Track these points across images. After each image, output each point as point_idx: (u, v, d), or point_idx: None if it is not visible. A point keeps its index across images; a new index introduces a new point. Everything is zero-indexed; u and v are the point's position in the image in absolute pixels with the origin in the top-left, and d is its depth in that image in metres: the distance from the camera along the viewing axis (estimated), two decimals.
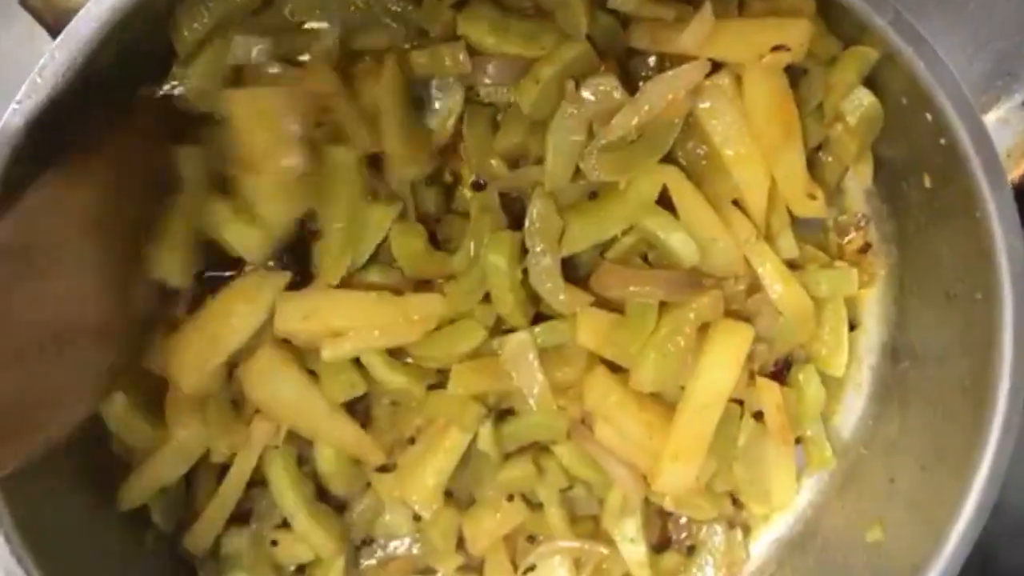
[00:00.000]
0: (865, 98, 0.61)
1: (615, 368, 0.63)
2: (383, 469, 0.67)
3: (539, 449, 0.67)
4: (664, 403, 0.64)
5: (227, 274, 0.62)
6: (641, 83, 0.60)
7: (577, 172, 0.61)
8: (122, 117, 0.56)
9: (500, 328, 0.63)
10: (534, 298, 0.62)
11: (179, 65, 0.60)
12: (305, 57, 0.59)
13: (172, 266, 0.57)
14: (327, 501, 0.67)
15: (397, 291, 0.61)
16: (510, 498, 0.67)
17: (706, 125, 0.60)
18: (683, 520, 0.70)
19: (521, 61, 0.59)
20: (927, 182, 0.60)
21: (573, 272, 0.63)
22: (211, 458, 0.64)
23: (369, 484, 0.67)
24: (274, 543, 0.66)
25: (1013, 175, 0.67)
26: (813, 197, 0.63)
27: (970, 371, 0.58)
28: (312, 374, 0.63)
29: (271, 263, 0.62)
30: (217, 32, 0.57)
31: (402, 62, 0.59)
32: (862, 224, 0.67)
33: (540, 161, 0.61)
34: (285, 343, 0.62)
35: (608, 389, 0.63)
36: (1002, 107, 0.68)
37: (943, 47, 0.55)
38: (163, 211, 0.56)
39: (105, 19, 0.52)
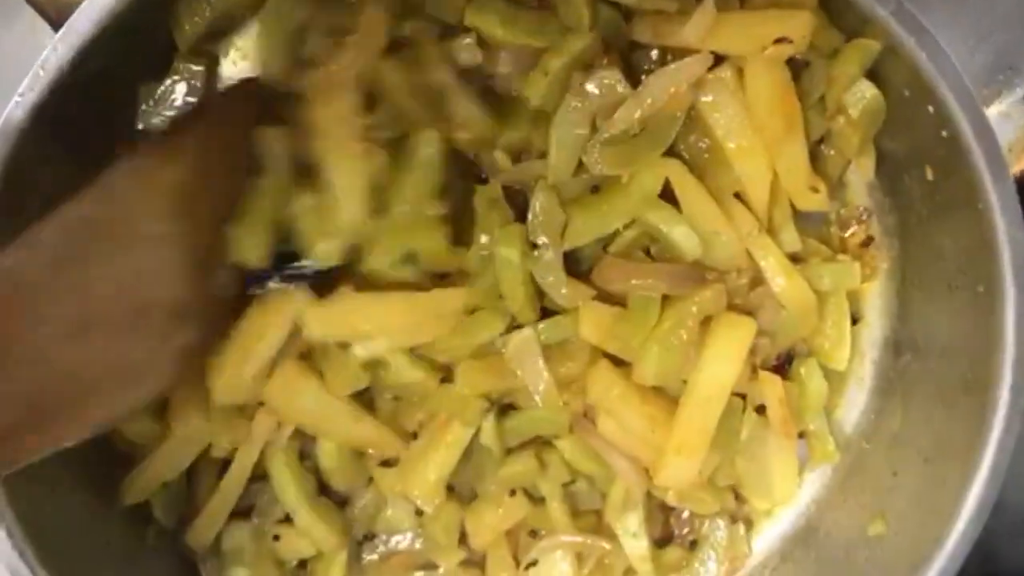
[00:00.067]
0: (867, 91, 0.61)
1: (618, 362, 0.63)
2: (385, 464, 0.67)
3: (541, 443, 0.67)
4: (667, 397, 0.64)
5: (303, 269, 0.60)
6: (643, 76, 0.60)
7: (579, 166, 0.60)
8: (215, 98, 0.55)
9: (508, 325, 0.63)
10: (538, 293, 0.62)
11: (180, 58, 0.60)
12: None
13: (250, 247, 0.55)
14: (329, 496, 0.67)
15: (418, 287, 0.61)
16: (512, 493, 0.67)
17: (708, 118, 0.60)
18: (685, 515, 0.70)
19: (531, 51, 0.59)
20: (929, 175, 0.60)
21: (575, 266, 0.63)
22: (212, 453, 0.64)
23: (371, 479, 0.67)
24: (276, 538, 0.66)
25: (1014, 170, 0.67)
26: (815, 190, 0.63)
27: (972, 364, 0.58)
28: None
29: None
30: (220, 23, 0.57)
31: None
32: (864, 217, 0.67)
33: (543, 155, 0.61)
34: (305, 355, 0.62)
35: (611, 383, 0.63)
36: (1003, 101, 0.68)
37: (944, 40, 0.55)
38: (246, 192, 0.55)
39: (107, 12, 0.52)
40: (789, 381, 0.67)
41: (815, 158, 0.64)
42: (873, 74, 0.61)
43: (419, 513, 0.67)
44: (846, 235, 0.68)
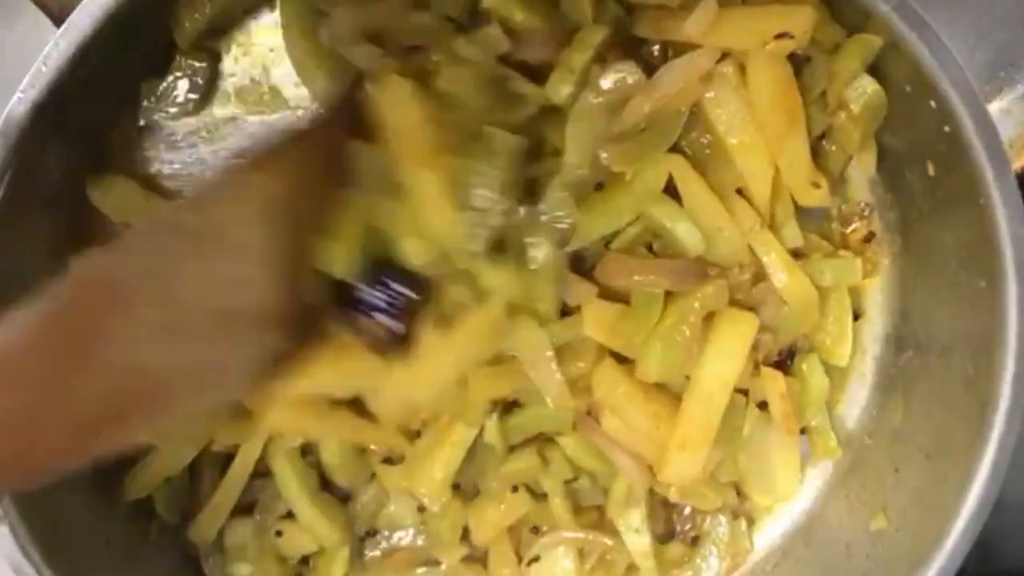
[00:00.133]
0: (869, 86, 0.61)
1: (621, 359, 0.63)
2: (388, 461, 0.67)
3: (544, 440, 0.67)
4: (670, 393, 0.64)
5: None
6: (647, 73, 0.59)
7: None
8: (320, 115, 0.56)
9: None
10: None
11: (182, 55, 0.60)
12: None
13: (337, 257, 0.55)
14: (331, 492, 0.67)
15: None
16: (514, 489, 0.66)
17: (710, 114, 0.60)
18: (687, 511, 0.70)
19: (558, 33, 0.59)
20: (931, 170, 0.60)
21: (578, 263, 0.63)
22: (214, 448, 0.64)
23: (373, 475, 0.67)
24: (278, 534, 0.66)
25: (1016, 166, 0.67)
26: (817, 186, 0.63)
27: (974, 359, 0.58)
28: None
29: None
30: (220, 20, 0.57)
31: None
32: (866, 213, 0.67)
33: (556, 152, 0.60)
34: None
35: (617, 381, 0.63)
36: (1004, 98, 0.68)
37: (945, 37, 0.55)
38: (337, 204, 0.55)
39: (109, 8, 0.52)
40: (791, 377, 0.66)
41: (816, 154, 0.63)
42: (874, 69, 0.61)
43: (421, 509, 0.67)
44: (848, 231, 0.68)
